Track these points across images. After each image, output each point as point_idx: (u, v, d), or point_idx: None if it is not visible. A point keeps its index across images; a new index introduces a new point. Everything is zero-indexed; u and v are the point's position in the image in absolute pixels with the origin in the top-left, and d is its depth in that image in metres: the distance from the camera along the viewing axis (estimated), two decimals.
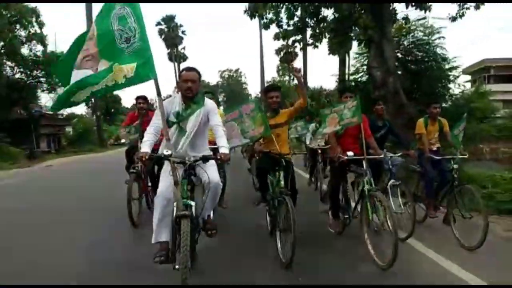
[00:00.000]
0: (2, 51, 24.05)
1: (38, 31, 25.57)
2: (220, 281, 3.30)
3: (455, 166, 4.53)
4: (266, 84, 42.16)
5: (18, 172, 14.05)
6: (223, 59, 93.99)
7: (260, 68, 36.86)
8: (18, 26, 24.79)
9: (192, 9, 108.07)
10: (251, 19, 10.18)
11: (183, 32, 45.02)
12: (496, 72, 34.75)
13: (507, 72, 30.90)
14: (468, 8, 10.40)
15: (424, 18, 10.89)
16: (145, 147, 3.08)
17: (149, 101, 5.94)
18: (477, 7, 10.50)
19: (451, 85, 12.36)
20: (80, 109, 38.23)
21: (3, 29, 23.07)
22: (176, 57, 44.75)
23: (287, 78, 41.42)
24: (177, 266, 2.82)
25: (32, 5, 25.37)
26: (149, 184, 5.59)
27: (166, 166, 3.15)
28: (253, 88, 57.56)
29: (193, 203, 3.01)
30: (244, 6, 10.05)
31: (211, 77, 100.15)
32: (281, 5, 10.00)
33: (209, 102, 3.38)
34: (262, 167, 4.24)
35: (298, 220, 3.41)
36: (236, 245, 4.28)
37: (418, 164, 5.07)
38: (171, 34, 43.54)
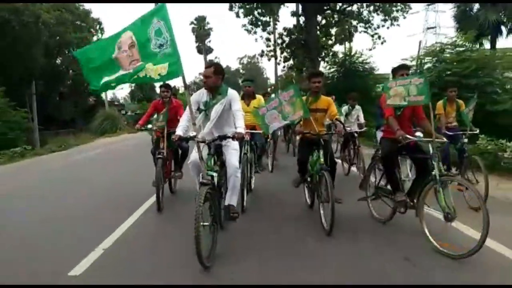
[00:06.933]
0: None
1: (101, 36, 32.62)
2: (264, 246, 3.67)
3: (465, 140, 5.11)
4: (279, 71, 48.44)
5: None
6: (243, 47, 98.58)
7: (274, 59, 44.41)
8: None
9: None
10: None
11: (210, 29, 52.38)
12: None
13: None
14: (377, 43, 18.91)
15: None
16: (178, 130, 3.78)
17: (172, 89, 5.99)
18: (382, 42, 18.75)
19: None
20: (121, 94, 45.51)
21: (84, 36, 29.51)
22: (204, 49, 52.73)
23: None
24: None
25: (96, 15, 30.75)
26: (173, 169, 5.78)
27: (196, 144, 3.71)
28: (270, 73, 63.95)
29: (215, 174, 3.57)
30: None
31: (231, 63, 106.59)
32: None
33: (231, 92, 3.99)
34: (303, 155, 4.57)
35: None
36: (281, 215, 4.69)
37: None
38: (202, 32, 51.12)
